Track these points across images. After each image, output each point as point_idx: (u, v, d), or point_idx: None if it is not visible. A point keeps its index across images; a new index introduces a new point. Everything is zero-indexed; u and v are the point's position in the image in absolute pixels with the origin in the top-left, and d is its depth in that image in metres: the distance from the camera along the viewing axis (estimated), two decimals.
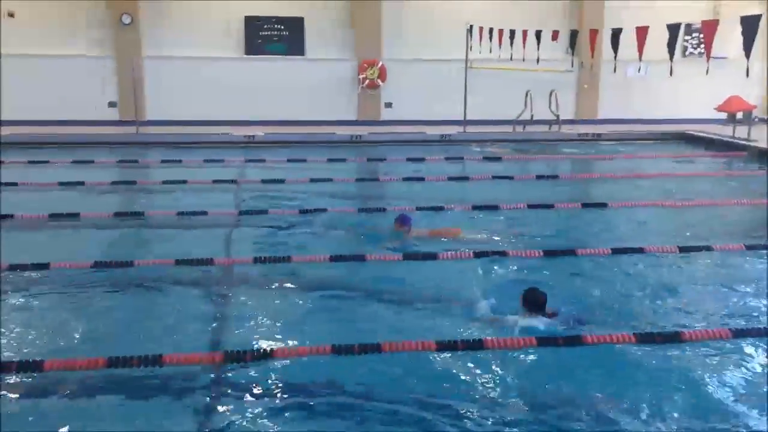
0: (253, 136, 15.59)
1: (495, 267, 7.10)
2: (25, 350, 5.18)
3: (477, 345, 5.12)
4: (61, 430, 4.21)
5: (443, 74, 17.57)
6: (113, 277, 6.81)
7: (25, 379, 4.71)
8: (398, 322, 5.79)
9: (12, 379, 4.69)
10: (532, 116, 16.73)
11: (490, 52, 16.78)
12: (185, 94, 16.93)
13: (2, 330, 5.65)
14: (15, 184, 10.65)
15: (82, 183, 10.88)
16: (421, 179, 11.67)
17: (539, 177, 12.18)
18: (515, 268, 7.11)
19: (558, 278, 6.82)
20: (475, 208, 9.45)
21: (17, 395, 4.59)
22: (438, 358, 5.04)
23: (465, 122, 16.74)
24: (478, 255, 7.30)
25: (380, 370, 4.90)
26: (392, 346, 5.03)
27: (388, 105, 18.22)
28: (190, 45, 17.10)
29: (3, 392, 4.57)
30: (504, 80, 17.57)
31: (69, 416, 4.41)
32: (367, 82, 17.79)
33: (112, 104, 17.09)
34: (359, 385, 4.74)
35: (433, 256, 7.24)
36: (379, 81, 17.83)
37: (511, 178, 11.88)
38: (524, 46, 16.36)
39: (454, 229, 8.34)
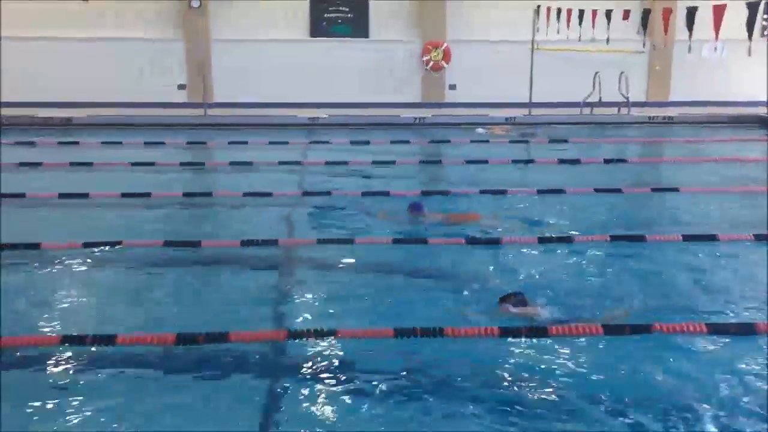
0: (317, 118, 15.71)
1: (556, 253, 6.99)
2: (98, 324, 5.36)
3: (541, 332, 5.05)
4: (130, 401, 4.36)
5: (509, 56, 17.29)
6: (181, 255, 6.98)
7: (98, 352, 4.88)
8: (460, 307, 5.75)
9: (86, 351, 4.87)
10: (600, 98, 16.32)
11: (558, 32, 16.41)
12: (251, 77, 17.14)
13: (77, 304, 5.88)
14: (90, 164, 11.02)
15: (152, 164, 11.17)
16: (485, 162, 11.55)
17: (607, 161, 11.89)
18: (575, 254, 6.98)
19: (626, 266, 6.67)
20: (541, 192, 9.31)
21: (92, 367, 4.76)
22: (499, 345, 4.99)
23: (530, 104, 16.46)
24: (542, 241, 7.20)
25: (443, 354, 4.89)
26: (455, 332, 5.01)
27: (452, 87, 18.06)
28: (257, 28, 17.31)
29: (79, 363, 4.76)
30: (571, 61, 17.18)
31: (137, 388, 4.56)
32: (431, 64, 17.66)
33: (181, 87, 17.46)
34: (419, 369, 4.74)
35: (496, 242, 7.18)
36: (443, 63, 17.67)
37: (578, 161, 11.64)
38: (593, 26, 15.94)
39: (473, 214, 8.19)
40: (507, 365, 4.75)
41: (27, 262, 6.72)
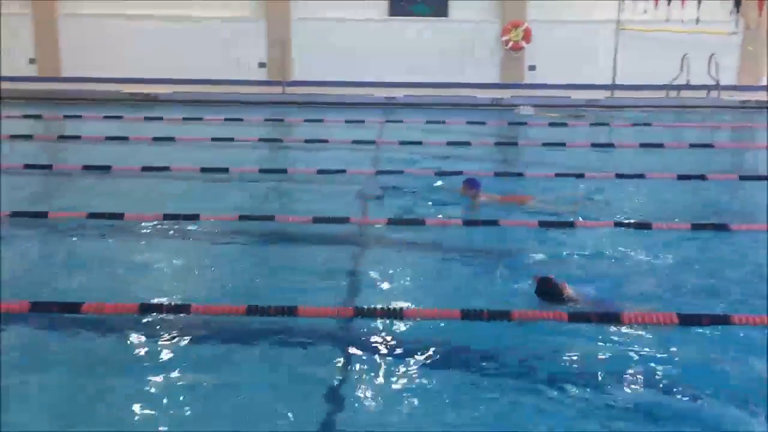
0: (394, 97, 15.69)
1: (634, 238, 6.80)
2: (174, 293, 5.55)
3: (613, 318, 4.93)
4: (201, 369, 4.51)
5: (592, 36, 16.81)
6: (255, 229, 7.13)
7: (173, 321, 5.05)
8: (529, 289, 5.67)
9: (162, 319, 5.05)
10: (688, 81, 15.67)
11: (645, 12, 15.82)
12: (330, 55, 17.25)
13: (155, 273, 6.10)
14: (172, 138, 11.36)
15: (231, 139, 11.42)
16: (562, 144, 11.29)
17: (693, 146, 11.43)
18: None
19: (703, 255, 6.43)
20: (619, 176, 9.06)
21: (166, 335, 4.93)
22: (569, 330, 4.90)
23: (613, 87, 15.96)
24: (618, 225, 7.02)
25: (510, 338, 4.84)
26: (522, 315, 4.94)
27: (532, 68, 17.69)
28: (336, 6, 17.37)
29: (155, 330, 4.94)
30: (658, 42, 16.52)
31: (208, 356, 4.71)
32: (511, 44, 17.34)
33: (261, 65, 17.74)
34: (484, 351, 4.70)
35: (569, 225, 7.03)
36: (523, 43, 17.31)
37: (661, 146, 11.24)
38: (682, 6, 15.28)
39: (526, 196, 7.99)
40: (573, 351, 4.66)
41: (111, 232, 7.00)
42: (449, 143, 11.34)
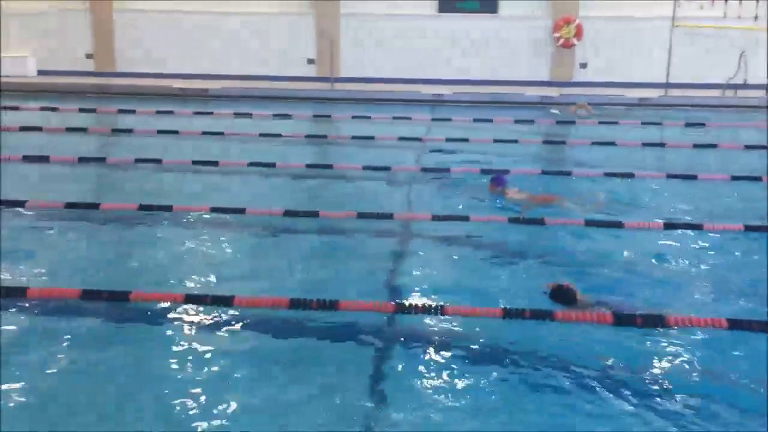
0: (442, 94, 15.63)
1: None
2: (217, 285, 5.63)
3: (657, 321, 4.83)
4: (242, 360, 4.58)
5: (645, 33, 16.47)
6: (300, 224, 7.18)
7: (216, 312, 5.13)
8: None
9: (207, 310, 5.14)
10: (745, 80, 15.23)
11: (701, 8, 15.42)
12: (378, 52, 17.29)
13: (201, 265, 6.20)
14: (221, 133, 11.53)
15: (279, 135, 11.54)
16: (612, 144, 11.10)
17: (749, 147, 11.11)
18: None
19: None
20: (671, 176, 8.87)
21: (210, 325, 5.01)
22: (610, 333, 4.82)
23: (667, 85, 15.61)
24: (668, 226, 6.88)
25: (552, 338, 4.78)
26: (565, 316, 4.88)
27: (583, 65, 17.42)
28: (385, 3, 17.37)
29: (200, 321, 5.03)
30: (714, 40, 16.09)
31: (248, 349, 4.77)
32: (561, 41, 17.09)
33: (310, 61, 17.87)
34: (524, 350, 4.66)
35: (618, 224, 6.91)
36: (574, 40, 17.05)
37: (714, 146, 10.95)
38: (740, 2, 14.84)
39: (554, 195, 7.88)
40: (617, 353, 4.58)
41: (160, 224, 7.15)
42: (496, 141, 11.25)
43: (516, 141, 11.35)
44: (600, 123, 13.05)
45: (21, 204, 7.46)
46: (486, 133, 11.99)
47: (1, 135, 11.06)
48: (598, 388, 4.17)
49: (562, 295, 5.12)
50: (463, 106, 14.91)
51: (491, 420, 3.98)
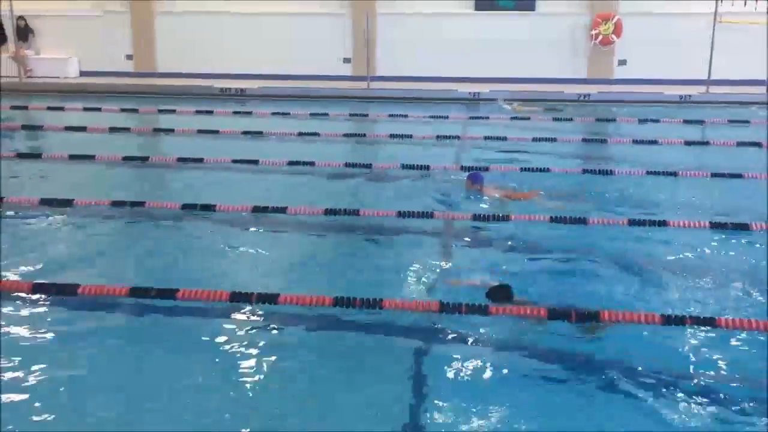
0: (478, 93, 15.56)
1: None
2: (261, 283, 5.68)
3: (708, 322, 4.76)
4: (286, 356, 4.63)
5: (686, 29, 16.14)
6: (341, 223, 7.23)
7: (262, 310, 5.19)
8: (620, 288, 5.55)
9: (251, 308, 5.20)
10: None
11: (745, 5, 15.11)
12: (415, 50, 17.24)
13: (245, 263, 6.28)
14: (260, 132, 11.63)
15: (317, 134, 11.60)
16: (654, 142, 10.94)
17: None
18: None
19: None
20: (715, 175, 8.74)
21: (255, 323, 5.08)
22: (662, 333, 4.77)
23: (709, 82, 15.33)
24: (714, 227, 6.80)
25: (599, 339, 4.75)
26: (612, 316, 4.84)
27: (622, 62, 17.17)
28: (422, 1, 17.33)
29: (244, 319, 5.09)
30: (760, 36, 15.73)
31: (293, 346, 4.83)
32: (600, 38, 16.87)
33: (346, 60, 17.92)
34: (573, 350, 4.64)
35: (663, 223, 6.83)
36: (613, 37, 16.81)
37: (759, 145, 10.73)
38: None
39: (531, 192, 7.96)
40: (670, 353, 4.54)
41: (204, 222, 7.25)
42: (534, 139, 11.17)
43: (554, 139, 11.25)
44: (640, 121, 12.88)
45: (69, 203, 7.63)
46: (524, 131, 11.90)
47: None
48: (654, 395, 4.14)
49: (498, 294, 5.11)
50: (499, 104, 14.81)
51: (529, 419, 3.98)
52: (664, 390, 4.19)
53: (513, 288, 5.16)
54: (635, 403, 4.11)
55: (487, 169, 9.21)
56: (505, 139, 11.20)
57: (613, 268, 6.08)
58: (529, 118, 13.15)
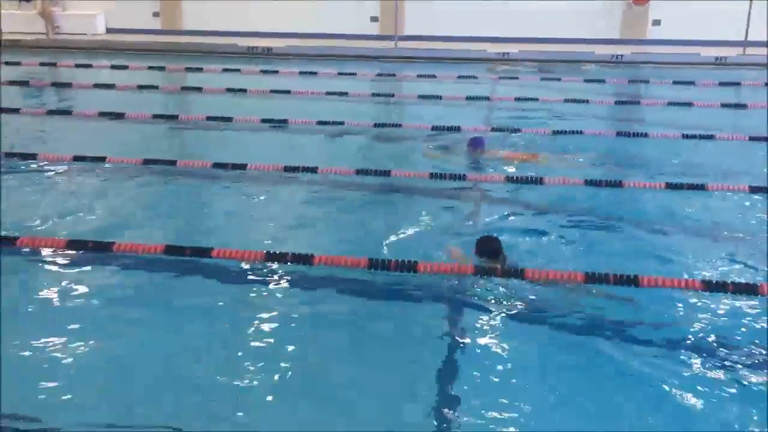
0: (507, 53, 15.29)
1: None
2: (293, 243, 5.68)
3: (750, 289, 4.69)
4: (318, 319, 4.64)
5: None
6: (372, 184, 7.18)
7: (296, 271, 5.19)
8: (658, 254, 5.48)
9: (286, 268, 5.21)
10: None
11: None
12: (442, 10, 16.92)
13: (278, 223, 6.28)
14: (288, 92, 11.55)
15: (345, 93, 11.49)
16: (688, 104, 10.71)
17: None
18: None
19: None
20: (753, 138, 8.55)
21: (288, 284, 5.08)
22: (701, 298, 4.71)
23: (746, 43, 14.91)
24: (754, 190, 6.67)
25: (639, 303, 4.70)
26: (650, 281, 4.77)
27: (656, 23, 16.72)
28: None
29: (278, 279, 5.10)
30: None
31: (326, 307, 4.83)
32: None
33: (373, 19, 17.65)
34: (611, 316, 4.60)
35: (701, 187, 6.72)
36: None
37: None
38: None
39: (533, 154, 7.98)
40: (706, 319, 4.48)
41: (234, 182, 7.25)
42: (566, 101, 10.98)
43: (586, 101, 11.04)
44: (674, 83, 12.60)
45: (101, 160, 7.66)
46: (555, 92, 11.70)
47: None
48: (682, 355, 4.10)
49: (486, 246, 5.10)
50: (531, 65, 14.55)
51: (566, 386, 3.97)
52: (701, 358, 4.15)
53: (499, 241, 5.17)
54: (668, 372, 4.07)
55: (518, 130, 9.10)
56: (536, 100, 11.02)
57: (649, 232, 6.00)
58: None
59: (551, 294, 4.88)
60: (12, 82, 12.18)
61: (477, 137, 8.14)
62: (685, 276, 4.95)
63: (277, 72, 13.54)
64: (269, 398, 3.87)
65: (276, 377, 4.02)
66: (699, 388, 3.86)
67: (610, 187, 6.88)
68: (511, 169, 7.59)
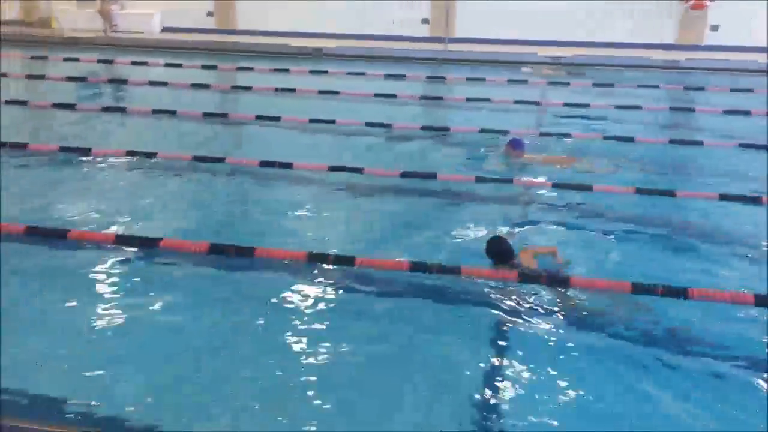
0: (560, 57, 15.08)
1: None
2: (338, 244, 5.70)
3: None
4: (360, 318, 4.63)
5: None
6: (416, 187, 7.14)
7: (340, 271, 5.19)
8: (710, 266, 5.33)
9: (328, 269, 5.21)
10: None
11: None
12: (494, 13, 16.81)
13: (321, 223, 6.29)
14: (337, 92, 11.59)
15: (394, 95, 11.48)
16: (746, 113, 10.40)
17: None
18: None
19: None
20: None
21: (330, 284, 5.07)
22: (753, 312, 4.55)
23: None
24: None
25: (691, 316, 4.58)
26: (700, 293, 4.64)
27: (714, 28, 16.32)
28: None
29: (322, 279, 5.11)
30: None
31: (367, 309, 4.83)
32: (691, 2, 16.06)
33: (424, 21, 17.64)
34: (659, 331, 4.48)
35: (755, 200, 6.50)
36: (707, 2, 15.98)
37: None
38: None
39: (569, 158, 7.91)
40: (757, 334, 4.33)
41: (280, 180, 7.30)
42: (618, 107, 10.77)
43: (639, 107, 10.82)
44: (731, 90, 12.25)
45: (152, 156, 7.80)
46: (607, 98, 11.49)
47: None
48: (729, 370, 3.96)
49: (496, 248, 5.08)
50: (583, 69, 14.30)
51: (613, 395, 3.87)
52: (752, 371, 4.01)
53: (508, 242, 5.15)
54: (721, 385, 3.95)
55: (568, 136, 8.96)
56: (587, 106, 10.83)
57: (701, 243, 5.83)
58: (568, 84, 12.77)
59: (597, 303, 4.78)
60: (70, 78, 12.53)
61: (516, 139, 8.08)
62: (737, 289, 4.78)
63: (326, 72, 13.61)
64: (311, 395, 3.87)
65: (306, 376, 4.02)
66: (746, 401, 3.73)
67: (661, 196, 6.72)
68: (557, 174, 7.47)
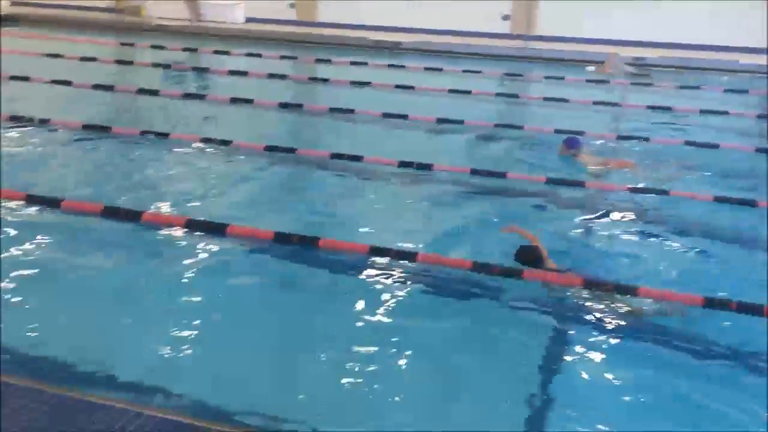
0: (643, 58, 14.58)
1: None
2: (400, 239, 5.65)
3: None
4: (416, 314, 4.60)
5: None
6: (485, 185, 7.06)
7: (399, 266, 5.17)
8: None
9: (389, 263, 5.20)
10: None
11: None
12: (577, 9, 16.38)
13: (386, 217, 6.28)
14: (412, 87, 11.55)
15: (468, 92, 11.37)
16: None
17: None
18: None
19: None
20: None
21: (390, 279, 5.06)
22: None
23: None
24: None
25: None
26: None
27: None
28: None
29: (380, 273, 5.10)
30: None
31: (427, 306, 4.80)
32: None
33: (505, 17, 17.39)
34: (730, 345, 4.29)
35: None
36: None
37: None
38: None
39: (626, 161, 7.71)
40: None
41: (351, 173, 7.34)
42: (703, 111, 10.35)
43: (726, 113, 10.37)
44: None
45: (227, 143, 7.98)
46: (692, 101, 11.06)
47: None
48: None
49: (525, 255, 5.01)
50: (668, 72, 13.81)
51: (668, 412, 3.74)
52: None
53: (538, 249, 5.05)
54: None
55: (647, 140, 8.68)
56: (670, 109, 10.46)
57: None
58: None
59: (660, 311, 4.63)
60: (156, 65, 12.95)
61: (573, 137, 7.96)
62: None
63: (403, 67, 13.58)
64: (376, 388, 3.89)
65: (361, 369, 4.03)
66: None
67: (742, 205, 6.43)
68: (634, 180, 7.24)
